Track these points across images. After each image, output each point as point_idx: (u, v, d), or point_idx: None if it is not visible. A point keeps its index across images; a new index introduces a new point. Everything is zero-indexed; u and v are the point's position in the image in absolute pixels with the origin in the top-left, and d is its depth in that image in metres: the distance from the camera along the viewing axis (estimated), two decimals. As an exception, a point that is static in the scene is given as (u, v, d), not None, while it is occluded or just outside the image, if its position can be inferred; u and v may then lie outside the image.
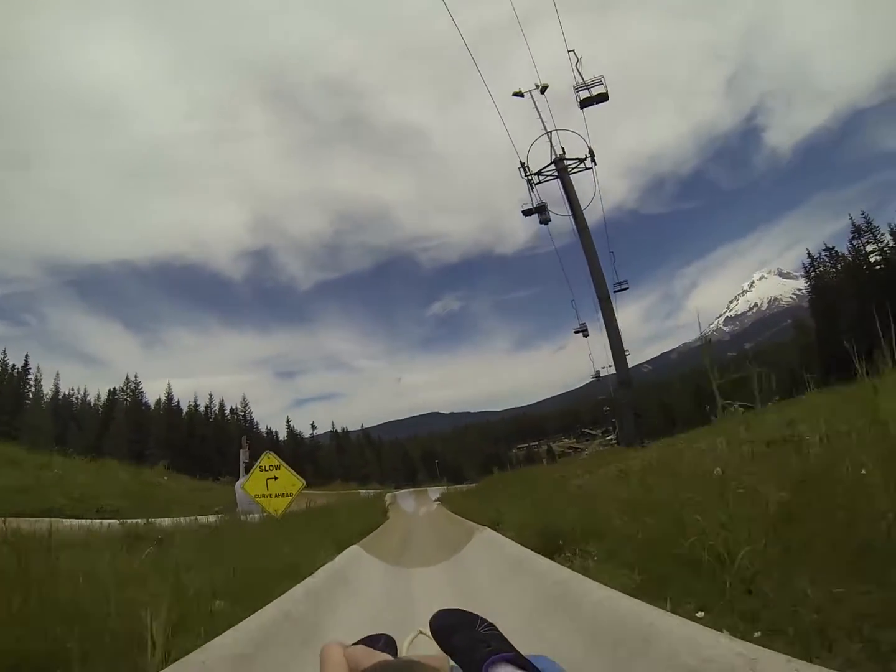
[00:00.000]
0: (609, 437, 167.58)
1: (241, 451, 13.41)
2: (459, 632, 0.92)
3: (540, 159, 38.20)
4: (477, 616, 0.98)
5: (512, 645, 0.85)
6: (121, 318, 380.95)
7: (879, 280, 48.89)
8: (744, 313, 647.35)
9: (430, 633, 0.98)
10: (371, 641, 0.99)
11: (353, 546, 6.87)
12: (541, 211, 37.57)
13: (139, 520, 8.76)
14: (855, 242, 54.07)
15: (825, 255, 59.23)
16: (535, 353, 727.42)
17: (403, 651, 1.04)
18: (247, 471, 11.96)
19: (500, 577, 5.04)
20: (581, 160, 36.89)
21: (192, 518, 8.98)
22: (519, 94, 36.67)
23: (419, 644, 1.07)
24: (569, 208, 35.88)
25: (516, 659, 0.74)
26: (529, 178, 37.29)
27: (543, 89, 36.25)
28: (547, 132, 36.63)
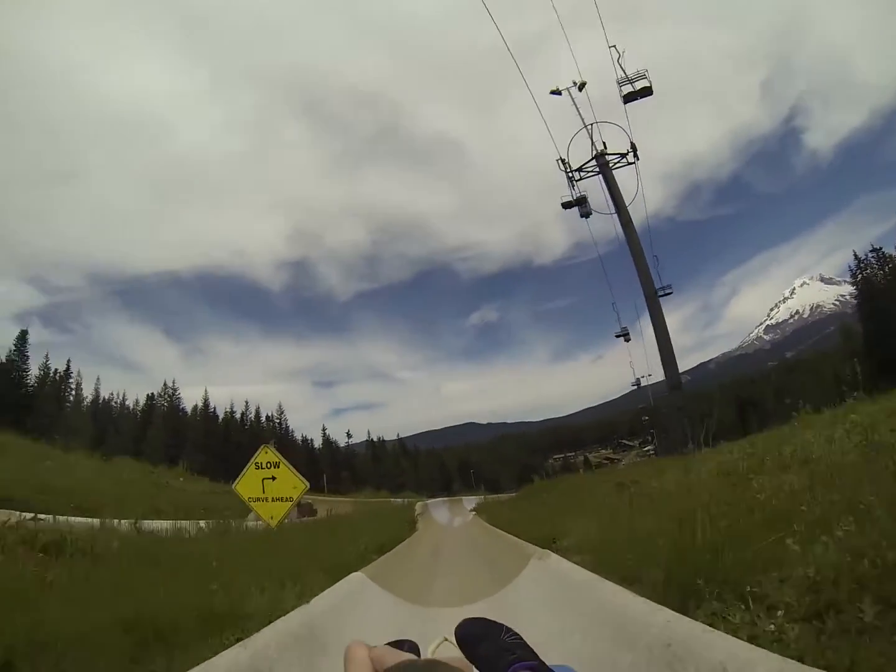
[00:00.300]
0: (646, 448, 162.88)
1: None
2: (484, 640, 0.91)
3: (580, 157, 36.30)
4: (502, 625, 0.96)
5: (536, 654, 0.84)
6: (163, 326, 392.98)
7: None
8: (785, 321, 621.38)
9: (454, 641, 0.99)
10: (395, 646, 0.92)
11: (355, 574, 4.73)
12: (581, 203, 35.43)
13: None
14: None
15: (872, 257, 55.65)
16: (573, 363, 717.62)
17: (428, 657, 1.00)
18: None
19: (592, 646, 2.82)
20: (623, 155, 34.89)
21: (134, 522, 7.00)
22: (557, 93, 35.32)
23: (443, 652, 1.04)
24: (611, 204, 33.97)
25: (540, 668, 0.76)
26: (570, 173, 35.47)
27: (581, 86, 34.77)
28: (586, 126, 34.87)
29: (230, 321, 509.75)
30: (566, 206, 35.94)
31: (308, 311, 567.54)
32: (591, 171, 35.36)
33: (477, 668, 0.86)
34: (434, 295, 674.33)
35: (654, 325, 32.32)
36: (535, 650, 0.86)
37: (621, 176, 35.25)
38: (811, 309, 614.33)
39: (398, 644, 1.01)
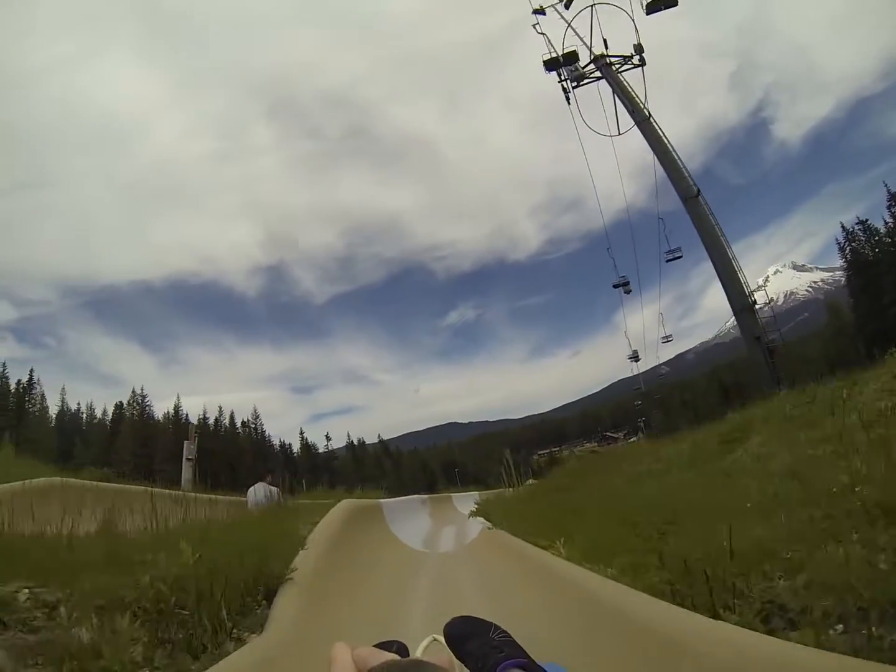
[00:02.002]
0: (632, 440, 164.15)
1: (186, 442, 9.99)
2: (473, 639, 0.92)
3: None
4: (491, 623, 0.98)
5: (525, 652, 0.85)
6: (138, 337, 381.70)
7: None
8: (760, 309, 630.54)
9: (443, 640, 0.99)
10: (384, 647, 0.95)
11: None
12: (569, 61, 29.27)
13: None
14: (894, 210, 50.20)
15: (859, 230, 55.15)
16: (551, 359, 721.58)
17: (417, 657, 0.93)
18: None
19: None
20: (626, 58, 28.85)
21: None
22: (540, 12, 29.70)
23: (433, 651, 1.02)
24: (622, 101, 28.20)
25: (528, 665, 0.77)
26: (564, 80, 30.01)
27: (568, 3, 29.42)
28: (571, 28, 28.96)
29: (206, 329, 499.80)
30: (549, 65, 29.71)
31: (284, 316, 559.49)
32: (591, 79, 29.62)
33: (466, 666, 0.87)
34: (410, 295, 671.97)
35: (700, 232, 25.62)
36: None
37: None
38: (785, 296, 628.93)
39: (387, 644, 1.05)
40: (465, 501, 18.81)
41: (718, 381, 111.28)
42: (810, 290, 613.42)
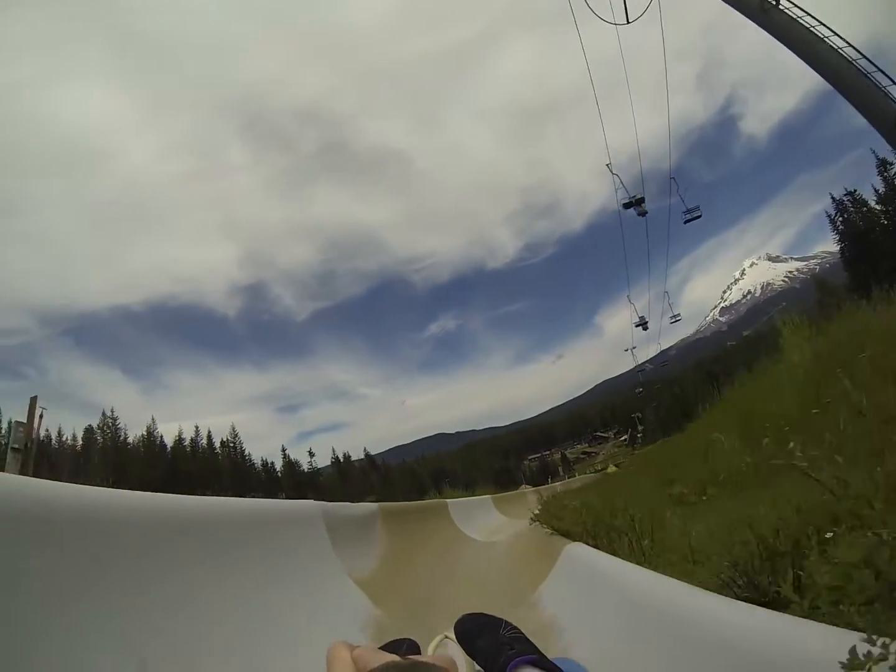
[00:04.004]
0: (622, 438, 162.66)
1: (15, 423, 6.85)
2: (483, 635, 0.91)
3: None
4: (501, 620, 0.97)
5: (536, 647, 0.85)
6: (119, 363, 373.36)
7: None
8: (738, 302, 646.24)
9: (454, 638, 0.99)
10: (394, 646, 1.02)
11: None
12: None
13: None
14: (885, 175, 49.30)
15: (848, 201, 54.16)
16: (535, 364, 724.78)
17: (428, 655, 0.97)
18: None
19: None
20: None
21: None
22: None
23: (444, 648, 1.02)
24: None
25: (540, 661, 0.76)
26: None
27: None
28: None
29: (188, 352, 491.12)
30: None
31: (266, 335, 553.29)
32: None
33: (477, 663, 0.88)
34: (391, 308, 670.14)
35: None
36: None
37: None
38: (762, 287, 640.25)
39: (398, 643, 1.05)
40: (477, 511, 11.34)
41: (706, 371, 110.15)
42: (786, 279, 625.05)
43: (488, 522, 10.71)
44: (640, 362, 55.00)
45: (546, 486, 30.79)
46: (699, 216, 26.79)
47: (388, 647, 0.89)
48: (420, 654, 0.93)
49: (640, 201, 27.13)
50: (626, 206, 27.60)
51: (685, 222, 26.35)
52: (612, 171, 26.87)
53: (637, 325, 42.77)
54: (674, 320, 42.69)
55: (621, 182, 27.55)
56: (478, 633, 0.92)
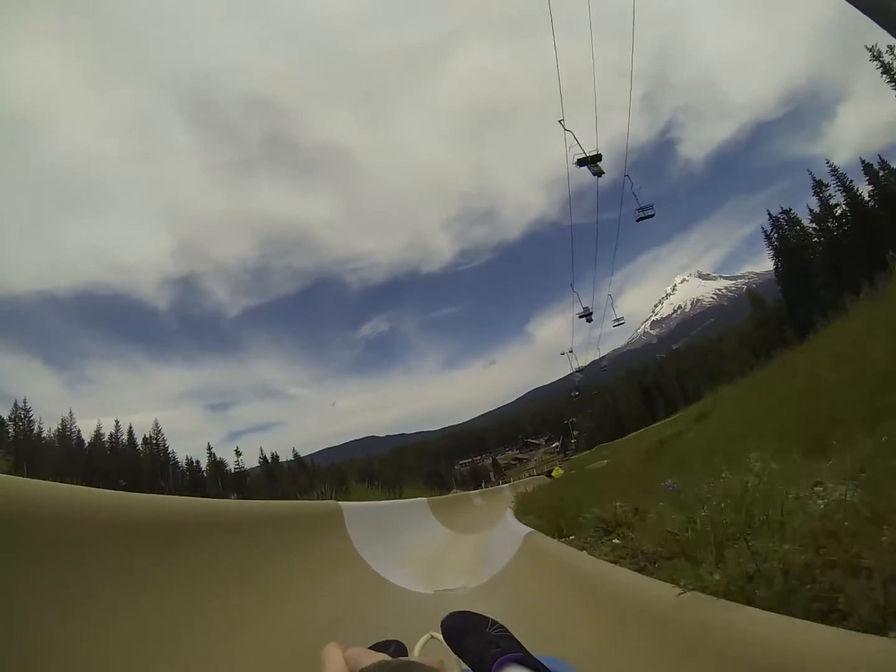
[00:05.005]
0: (554, 445, 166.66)
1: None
2: (470, 634, 0.92)
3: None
4: (488, 618, 0.98)
5: (522, 645, 0.86)
6: (41, 353, 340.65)
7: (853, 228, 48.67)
8: (669, 316, 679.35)
9: (441, 637, 0.98)
10: (382, 647, 1.03)
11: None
12: None
13: None
14: (821, 195, 52.79)
15: (783, 219, 57.94)
16: (466, 370, 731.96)
17: (415, 656, 0.96)
18: None
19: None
20: None
21: None
22: None
23: (431, 648, 1.01)
24: None
25: (525, 659, 0.76)
26: None
27: None
28: None
29: (115, 344, 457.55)
30: None
31: (196, 330, 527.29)
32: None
33: (464, 661, 0.88)
34: (324, 307, 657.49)
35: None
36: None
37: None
38: (692, 303, 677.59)
39: (385, 644, 1.06)
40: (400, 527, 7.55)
41: (638, 381, 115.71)
42: (715, 296, 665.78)
43: (422, 541, 7.58)
44: (579, 366, 56.17)
45: (496, 487, 30.83)
46: (652, 215, 27.20)
47: (376, 648, 0.88)
48: (407, 654, 1.00)
49: (597, 159, 25.13)
50: (581, 162, 25.31)
51: (637, 220, 27.09)
52: (564, 128, 23.88)
53: (581, 317, 41.15)
54: (616, 324, 44.04)
55: (575, 138, 24.67)
56: (465, 631, 0.94)
